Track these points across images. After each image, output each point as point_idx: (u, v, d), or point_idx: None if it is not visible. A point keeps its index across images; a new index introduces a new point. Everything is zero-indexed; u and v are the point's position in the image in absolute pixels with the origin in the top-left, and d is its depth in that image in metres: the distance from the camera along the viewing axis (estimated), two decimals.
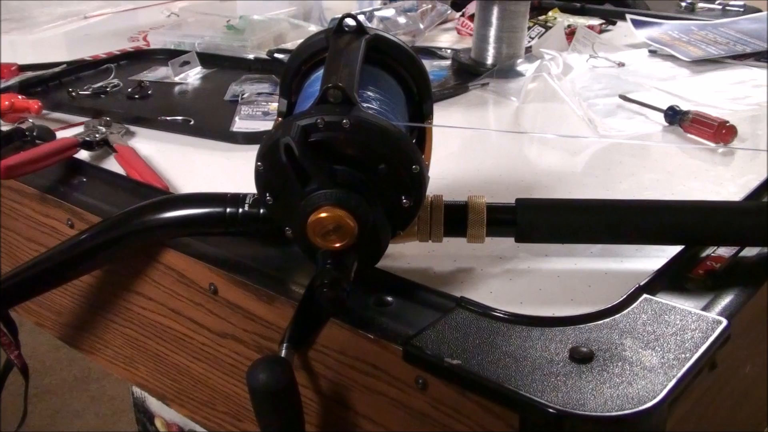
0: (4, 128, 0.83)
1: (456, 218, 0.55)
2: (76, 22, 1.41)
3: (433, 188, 0.54)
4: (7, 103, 0.90)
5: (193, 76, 1.07)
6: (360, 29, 0.58)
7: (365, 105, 0.52)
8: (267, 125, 0.87)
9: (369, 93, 0.54)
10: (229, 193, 0.57)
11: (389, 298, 0.51)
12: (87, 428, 1.89)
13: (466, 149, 0.82)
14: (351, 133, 0.49)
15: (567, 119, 0.90)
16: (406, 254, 0.58)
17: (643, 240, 0.57)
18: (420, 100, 0.61)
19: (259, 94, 0.97)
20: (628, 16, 1.26)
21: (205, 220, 0.57)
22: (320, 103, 0.49)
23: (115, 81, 1.03)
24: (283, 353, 0.50)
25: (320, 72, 0.55)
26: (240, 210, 0.56)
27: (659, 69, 1.09)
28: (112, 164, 0.78)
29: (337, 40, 0.57)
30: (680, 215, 0.56)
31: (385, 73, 0.59)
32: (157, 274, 0.63)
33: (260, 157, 0.51)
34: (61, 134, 0.83)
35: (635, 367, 0.44)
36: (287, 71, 0.60)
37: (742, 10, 1.41)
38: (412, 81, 0.60)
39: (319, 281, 0.47)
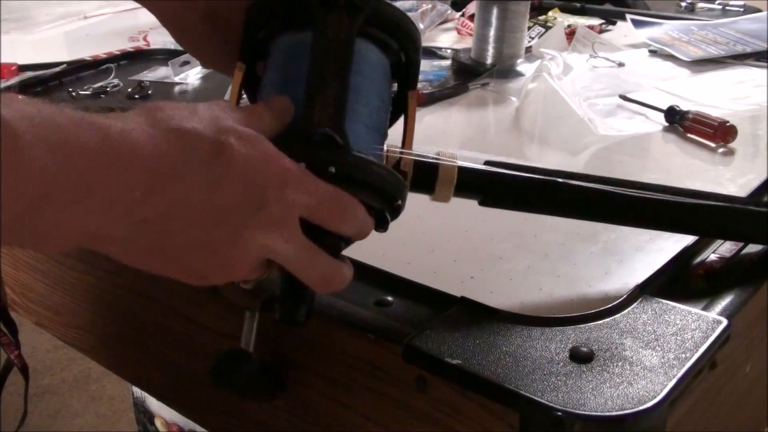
0: None
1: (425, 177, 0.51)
2: (76, 22, 1.41)
3: None
4: None
5: (193, 76, 1.07)
6: (350, 4, 0.48)
7: (352, 128, 0.46)
8: None
9: (357, 106, 0.48)
10: None
11: (389, 298, 0.52)
12: (87, 428, 1.89)
13: (466, 149, 0.82)
14: (337, 179, 0.45)
15: (567, 119, 0.90)
16: (407, 254, 0.58)
17: (608, 219, 0.55)
18: (407, 64, 0.53)
19: None
20: (628, 16, 1.26)
21: None
22: (304, 139, 0.45)
23: (115, 81, 1.03)
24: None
25: (302, 37, 0.48)
26: None
27: (659, 69, 1.09)
28: None
29: (324, 21, 0.48)
30: (640, 200, 0.55)
31: (369, 44, 0.51)
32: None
33: None
34: None
35: (635, 367, 0.44)
36: (249, 26, 0.49)
37: (742, 10, 1.41)
38: (397, 45, 0.52)
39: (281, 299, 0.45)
